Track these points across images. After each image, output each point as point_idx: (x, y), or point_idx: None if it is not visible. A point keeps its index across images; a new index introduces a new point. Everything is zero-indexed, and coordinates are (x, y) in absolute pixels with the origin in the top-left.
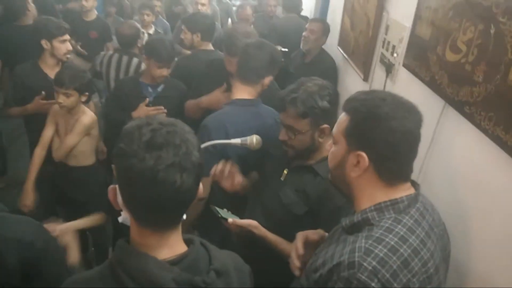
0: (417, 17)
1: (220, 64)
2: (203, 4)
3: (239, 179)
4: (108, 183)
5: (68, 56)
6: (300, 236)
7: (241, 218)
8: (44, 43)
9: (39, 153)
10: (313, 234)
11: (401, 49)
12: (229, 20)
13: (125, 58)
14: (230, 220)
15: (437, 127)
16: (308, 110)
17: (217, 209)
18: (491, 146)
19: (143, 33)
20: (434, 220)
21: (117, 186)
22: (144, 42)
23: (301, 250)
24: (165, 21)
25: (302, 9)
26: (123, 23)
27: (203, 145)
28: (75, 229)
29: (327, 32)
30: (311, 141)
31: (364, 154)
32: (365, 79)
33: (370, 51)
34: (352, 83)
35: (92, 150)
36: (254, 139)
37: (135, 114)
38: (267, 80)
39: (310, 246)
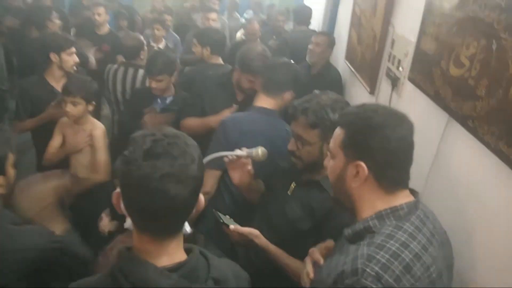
0: (422, 32)
1: (227, 84)
2: (213, 20)
3: (250, 169)
4: None
5: (75, 68)
6: (309, 259)
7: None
8: (53, 56)
9: (48, 159)
10: (323, 250)
11: (407, 63)
12: (238, 33)
13: (130, 71)
14: (231, 226)
15: (441, 140)
16: (318, 120)
17: (220, 214)
18: (494, 160)
19: (153, 46)
20: (435, 227)
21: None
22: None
23: (311, 274)
24: (175, 35)
25: (310, 23)
26: (126, 34)
27: (208, 158)
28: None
29: (332, 45)
30: (319, 154)
31: (362, 164)
32: (372, 92)
33: (376, 64)
34: (358, 96)
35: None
36: (259, 151)
37: (144, 120)
38: (288, 94)
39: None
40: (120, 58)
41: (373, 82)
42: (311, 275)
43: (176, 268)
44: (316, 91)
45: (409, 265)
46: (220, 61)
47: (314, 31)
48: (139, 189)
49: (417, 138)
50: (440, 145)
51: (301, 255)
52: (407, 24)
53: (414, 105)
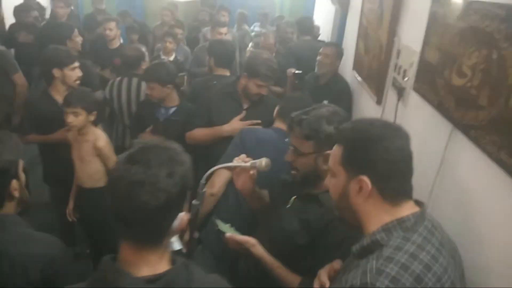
0: (426, 42)
1: (233, 93)
2: (223, 34)
3: (253, 173)
4: None
5: (78, 82)
6: (318, 282)
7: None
8: (56, 71)
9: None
10: (331, 272)
11: (412, 73)
12: (249, 45)
13: (134, 81)
14: (227, 234)
15: (446, 150)
16: (311, 132)
17: (218, 221)
18: (496, 169)
19: (163, 58)
20: (444, 238)
21: None
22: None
23: None
24: (185, 47)
25: (319, 34)
26: (128, 45)
27: (214, 168)
28: None
29: (341, 56)
30: (314, 166)
31: (365, 178)
32: (378, 102)
33: (382, 74)
34: (366, 107)
35: (104, 172)
36: (263, 162)
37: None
38: None
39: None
40: None
41: (380, 92)
42: None
43: (154, 280)
44: (325, 102)
45: (419, 276)
46: (225, 72)
47: (319, 41)
48: (112, 190)
49: (422, 148)
50: (444, 155)
51: (298, 269)
52: (412, 34)
53: (419, 115)
